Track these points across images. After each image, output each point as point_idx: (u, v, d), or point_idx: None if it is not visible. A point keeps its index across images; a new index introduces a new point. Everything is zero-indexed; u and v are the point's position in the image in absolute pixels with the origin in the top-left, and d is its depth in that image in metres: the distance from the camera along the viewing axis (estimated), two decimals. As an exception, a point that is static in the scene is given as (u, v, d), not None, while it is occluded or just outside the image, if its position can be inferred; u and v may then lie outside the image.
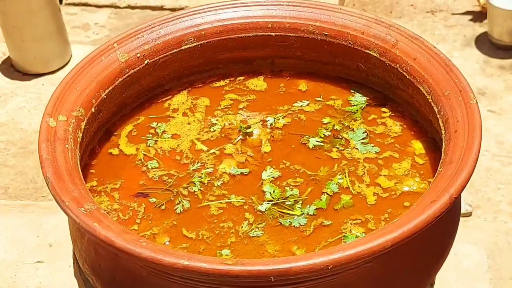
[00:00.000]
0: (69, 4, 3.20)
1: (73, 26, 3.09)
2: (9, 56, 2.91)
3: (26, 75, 2.87)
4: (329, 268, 1.09)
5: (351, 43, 1.50)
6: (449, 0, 3.24)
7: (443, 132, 1.32)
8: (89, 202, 1.21)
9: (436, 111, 1.35)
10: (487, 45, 2.89)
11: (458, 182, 1.18)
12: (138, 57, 1.48)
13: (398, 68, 1.44)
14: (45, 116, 1.34)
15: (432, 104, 1.36)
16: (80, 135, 1.36)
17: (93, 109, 1.41)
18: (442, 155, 1.28)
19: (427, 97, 1.38)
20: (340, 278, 1.16)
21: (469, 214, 2.29)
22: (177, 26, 1.52)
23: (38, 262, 2.16)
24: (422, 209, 1.15)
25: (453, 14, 3.15)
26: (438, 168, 1.26)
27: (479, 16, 3.10)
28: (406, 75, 1.43)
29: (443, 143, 1.30)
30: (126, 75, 1.47)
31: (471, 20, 3.10)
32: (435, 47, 1.42)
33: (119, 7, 3.16)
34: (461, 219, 2.23)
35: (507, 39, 2.82)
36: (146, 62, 1.49)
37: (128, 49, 1.48)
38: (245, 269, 1.09)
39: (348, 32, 1.50)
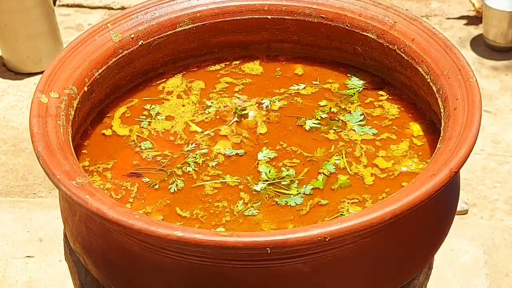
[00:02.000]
0: (63, 5, 3.19)
1: (66, 26, 3.07)
2: (1, 56, 2.89)
3: (18, 74, 2.86)
4: (327, 240, 1.06)
5: (348, 25, 1.48)
6: (444, 5, 3.23)
7: (442, 110, 1.29)
8: (81, 176, 1.18)
9: (435, 91, 1.33)
10: (482, 47, 2.88)
11: (458, 156, 1.16)
12: (132, 38, 1.46)
13: (396, 50, 1.42)
14: (36, 92, 1.31)
15: (431, 84, 1.34)
16: (72, 113, 1.33)
17: (85, 88, 1.38)
18: (441, 133, 1.26)
19: (426, 77, 1.36)
20: (338, 253, 1.14)
21: (465, 212, 2.27)
22: (172, 7, 1.50)
23: (28, 257, 2.12)
24: (422, 183, 1.13)
25: (448, 18, 3.15)
26: (438, 145, 1.23)
27: (474, 20, 3.10)
28: (404, 56, 1.41)
29: (442, 121, 1.28)
30: (120, 55, 1.45)
31: (466, 24, 3.09)
32: (433, 28, 1.40)
33: (112, 9, 3.15)
34: (457, 216, 2.21)
35: (502, 41, 2.81)
36: (140, 43, 1.47)
37: (122, 30, 1.46)
38: (240, 240, 1.06)
39: (345, 14, 1.48)
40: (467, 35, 2.97)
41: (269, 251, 1.06)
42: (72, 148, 1.26)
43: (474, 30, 2.99)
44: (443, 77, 1.32)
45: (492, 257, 2.04)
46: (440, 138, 1.24)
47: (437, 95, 1.32)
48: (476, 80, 1.29)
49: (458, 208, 2.26)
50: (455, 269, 2.01)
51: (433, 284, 1.93)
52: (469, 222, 2.21)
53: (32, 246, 2.15)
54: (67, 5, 3.18)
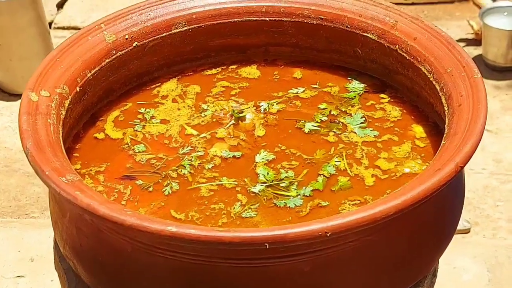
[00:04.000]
0: (59, 27, 3.16)
1: (61, 48, 3.04)
2: (-5, 77, 2.85)
3: (12, 95, 2.81)
4: (328, 235, 1.01)
5: (348, 26, 1.44)
6: (442, 29, 3.20)
7: (446, 108, 1.25)
8: (71, 174, 1.13)
9: (438, 89, 1.29)
10: (482, 67, 2.85)
11: (464, 151, 1.11)
12: (126, 39, 1.42)
13: (398, 50, 1.38)
14: (26, 90, 1.28)
15: (434, 82, 1.30)
16: (64, 112, 1.29)
17: (78, 89, 1.34)
18: (446, 130, 1.21)
19: (429, 76, 1.32)
20: (339, 251, 1.09)
21: (467, 231, 2.21)
22: (167, 8, 1.46)
23: (18, 276, 2.06)
24: (427, 177, 1.08)
25: (447, 41, 3.11)
26: (442, 142, 1.19)
27: (473, 42, 3.07)
28: (406, 56, 1.37)
29: (446, 119, 1.23)
30: (114, 56, 1.41)
31: (464, 46, 3.06)
32: (436, 26, 1.36)
33: (108, 31, 3.12)
34: (460, 235, 2.16)
35: (501, 61, 2.78)
36: (134, 44, 1.43)
37: (116, 30, 1.41)
38: (237, 236, 1.01)
39: (345, 15, 1.44)
40: (466, 56, 2.94)
41: (267, 247, 1.01)
42: (63, 147, 1.22)
43: (474, 51, 2.96)
44: (447, 75, 1.28)
45: (496, 275, 1.98)
46: (445, 135, 1.20)
47: (440, 94, 1.28)
48: (481, 76, 1.25)
49: (460, 227, 2.21)
50: (459, 286, 1.96)
51: (436, 302, 1.87)
52: (471, 240, 2.16)
53: (23, 265, 2.09)
54: (63, 28, 3.15)
